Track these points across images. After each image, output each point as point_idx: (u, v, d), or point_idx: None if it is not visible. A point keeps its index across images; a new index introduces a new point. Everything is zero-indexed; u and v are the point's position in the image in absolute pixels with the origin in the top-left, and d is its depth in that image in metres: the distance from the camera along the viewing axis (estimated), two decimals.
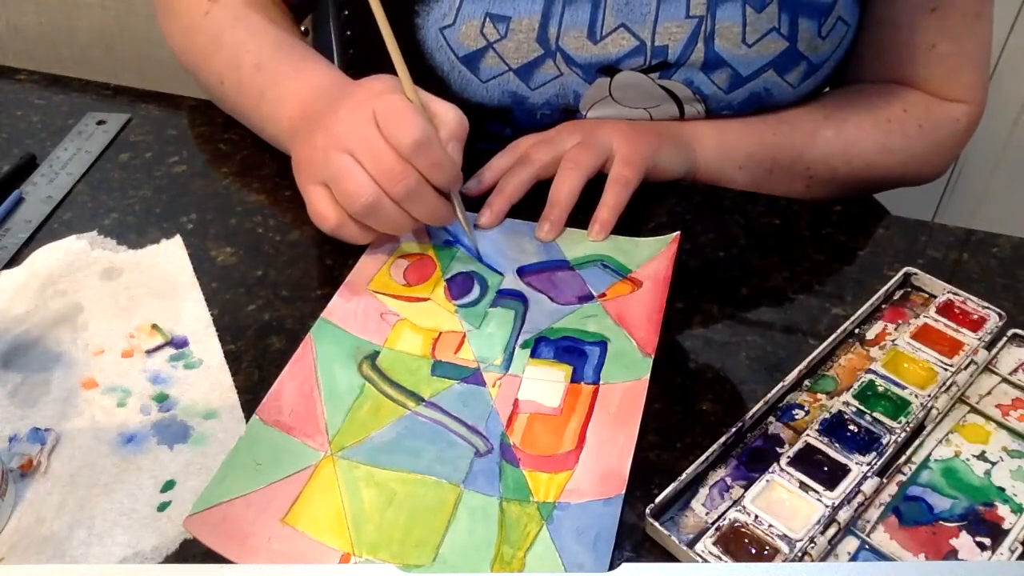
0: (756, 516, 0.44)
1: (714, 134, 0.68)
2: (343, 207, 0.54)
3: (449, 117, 0.54)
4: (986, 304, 0.55)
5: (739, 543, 0.43)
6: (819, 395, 0.52)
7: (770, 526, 0.43)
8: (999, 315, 0.54)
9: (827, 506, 0.44)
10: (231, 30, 0.66)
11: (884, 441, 0.47)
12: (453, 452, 0.47)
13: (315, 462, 0.47)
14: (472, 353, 0.53)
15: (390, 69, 0.54)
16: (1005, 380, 0.53)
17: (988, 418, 0.50)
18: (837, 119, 0.69)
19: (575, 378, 0.51)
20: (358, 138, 0.53)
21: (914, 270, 0.58)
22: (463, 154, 0.55)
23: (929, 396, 0.50)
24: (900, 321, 0.56)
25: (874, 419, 0.48)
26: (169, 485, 0.46)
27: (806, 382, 0.52)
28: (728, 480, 0.47)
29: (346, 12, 0.73)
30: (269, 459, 0.46)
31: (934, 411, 0.49)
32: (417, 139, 0.51)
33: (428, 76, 0.66)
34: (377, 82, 0.55)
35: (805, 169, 0.69)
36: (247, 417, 0.49)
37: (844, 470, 0.46)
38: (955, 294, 0.56)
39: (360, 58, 0.74)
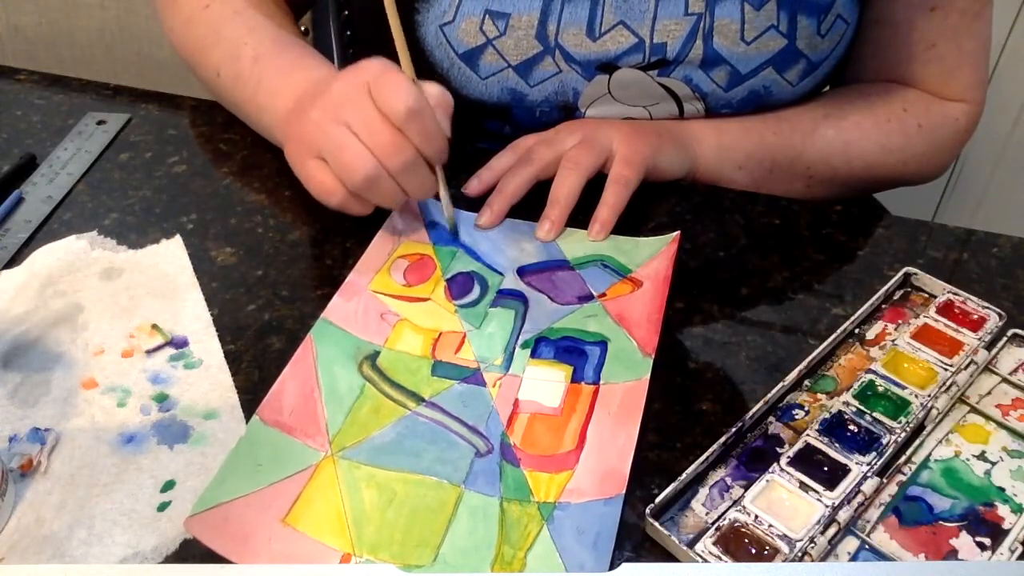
0: (756, 516, 0.44)
1: (714, 134, 0.68)
2: (341, 180, 0.55)
3: (433, 91, 0.55)
4: (986, 304, 0.55)
5: (739, 543, 0.43)
6: (819, 395, 0.52)
7: (770, 526, 0.43)
8: (999, 315, 0.54)
9: (827, 506, 0.44)
10: (230, 24, 0.67)
11: (884, 441, 0.47)
12: (453, 452, 0.47)
13: (315, 462, 0.47)
14: (472, 353, 0.53)
15: None
16: (1005, 380, 0.53)
17: (988, 418, 0.50)
18: (837, 118, 0.69)
19: (575, 378, 0.51)
20: (354, 110, 0.53)
21: (914, 270, 0.58)
22: (451, 130, 0.56)
23: (929, 396, 0.50)
24: (900, 321, 0.56)
25: (874, 419, 0.48)
26: (169, 485, 0.46)
27: (806, 382, 0.52)
28: (728, 480, 0.47)
29: (346, 12, 0.73)
30: (269, 459, 0.46)
31: (934, 411, 0.49)
32: (411, 107, 0.52)
33: (428, 73, 0.66)
34: (372, 61, 0.55)
35: (805, 169, 0.69)
36: (247, 417, 0.49)
37: (844, 470, 0.46)
38: (955, 294, 0.56)
39: (360, 58, 0.74)
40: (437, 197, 0.60)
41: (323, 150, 0.55)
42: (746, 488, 0.45)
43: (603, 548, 0.43)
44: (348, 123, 0.53)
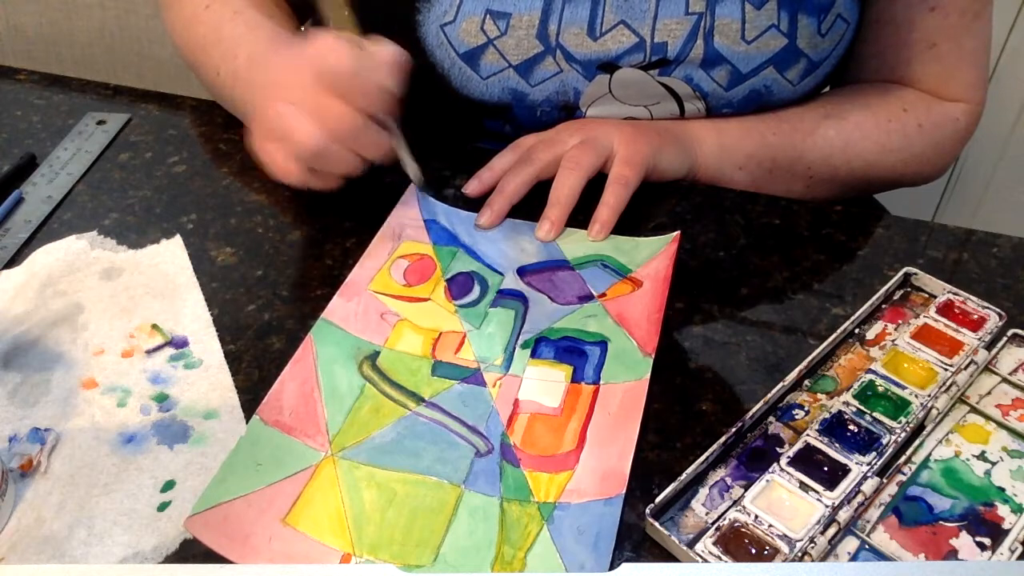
0: (756, 516, 0.44)
1: (714, 134, 0.68)
2: (295, 158, 0.55)
3: (382, 49, 0.54)
4: (986, 304, 0.55)
5: (739, 543, 0.43)
6: (819, 395, 0.52)
7: (770, 526, 0.43)
8: (999, 315, 0.54)
9: (827, 506, 0.44)
10: (230, 24, 0.67)
11: (884, 441, 0.47)
12: (453, 452, 0.47)
13: (315, 462, 0.47)
14: (472, 353, 0.53)
15: None
16: (1005, 380, 0.53)
17: (988, 418, 0.50)
18: (837, 118, 0.69)
19: (575, 378, 0.51)
20: (297, 85, 0.53)
21: (914, 270, 0.58)
22: (402, 87, 0.55)
23: (929, 396, 0.50)
24: (900, 321, 0.56)
25: (874, 419, 0.48)
26: (169, 485, 0.46)
27: (806, 382, 0.52)
28: (728, 480, 0.47)
29: (346, 13, 0.73)
30: (269, 459, 0.46)
31: (934, 411, 0.49)
32: (349, 67, 0.51)
33: (428, 73, 0.66)
34: (311, 32, 0.55)
35: (805, 169, 0.69)
36: (247, 417, 0.49)
37: (844, 470, 0.46)
38: (955, 294, 0.56)
39: None
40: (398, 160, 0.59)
41: (274, 132, 0.55)
42: (746, 488, 0.45)
43: (603, 548, 0.43)
44: (293, 101, 0.53)
